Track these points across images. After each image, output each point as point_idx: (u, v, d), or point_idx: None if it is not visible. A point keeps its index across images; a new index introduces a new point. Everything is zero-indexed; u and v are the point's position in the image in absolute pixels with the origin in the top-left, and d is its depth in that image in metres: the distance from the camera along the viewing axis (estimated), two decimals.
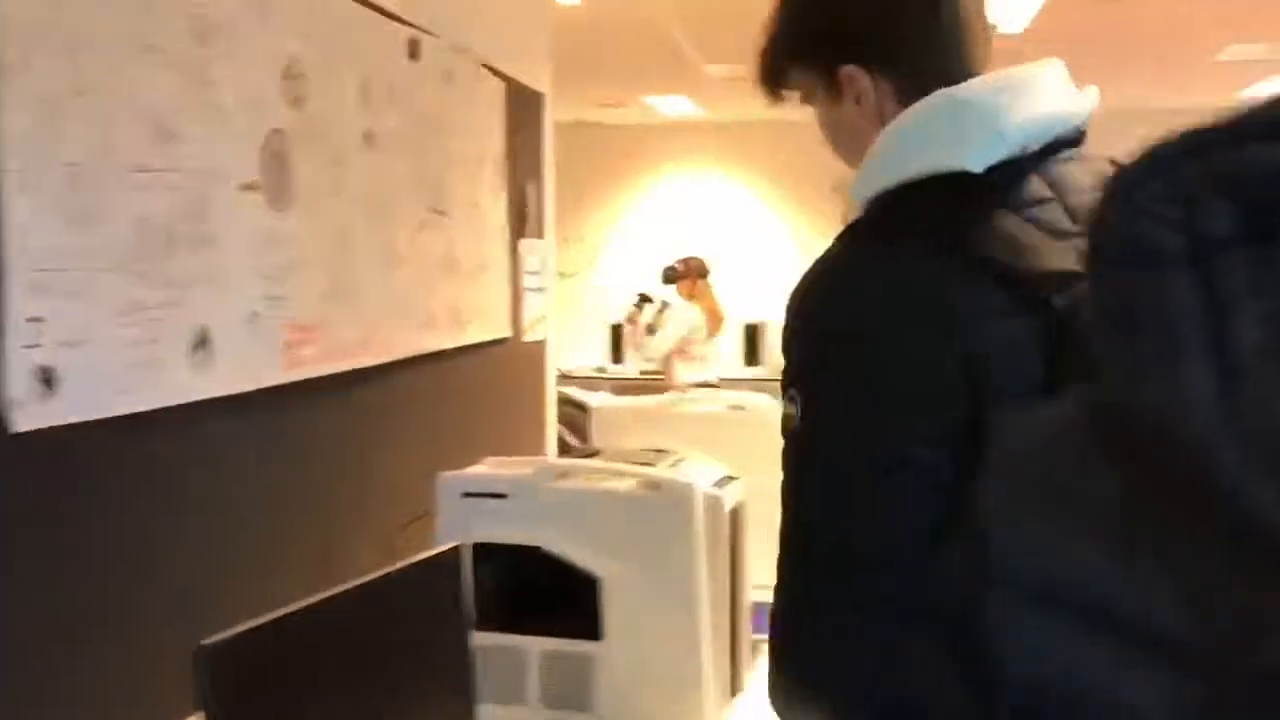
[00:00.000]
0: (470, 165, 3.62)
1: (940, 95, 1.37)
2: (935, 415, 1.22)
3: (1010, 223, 1.28)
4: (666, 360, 7.34)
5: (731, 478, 2.39)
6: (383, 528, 2.64)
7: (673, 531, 2.27)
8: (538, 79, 4.45)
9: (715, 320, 7.31)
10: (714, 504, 2.26)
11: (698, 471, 2.37)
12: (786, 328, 1.37)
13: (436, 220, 3.38)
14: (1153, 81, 8.95)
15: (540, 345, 4.44)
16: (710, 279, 7.31)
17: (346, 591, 1.67)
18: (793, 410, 1.29)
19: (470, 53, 3.61)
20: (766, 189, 10.77)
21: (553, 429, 4.67)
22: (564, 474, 2.42)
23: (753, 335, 10.08)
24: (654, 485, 2.32)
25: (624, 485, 2.33)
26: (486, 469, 2.52)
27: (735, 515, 2.37)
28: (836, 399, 1.28)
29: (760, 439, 3.53)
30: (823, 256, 1.40)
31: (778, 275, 10.65)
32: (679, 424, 3.42)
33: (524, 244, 4.21)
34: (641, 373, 9.87)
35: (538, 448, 4.45)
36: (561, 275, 11.35)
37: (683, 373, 7.30)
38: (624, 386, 10.36)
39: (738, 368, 10.13)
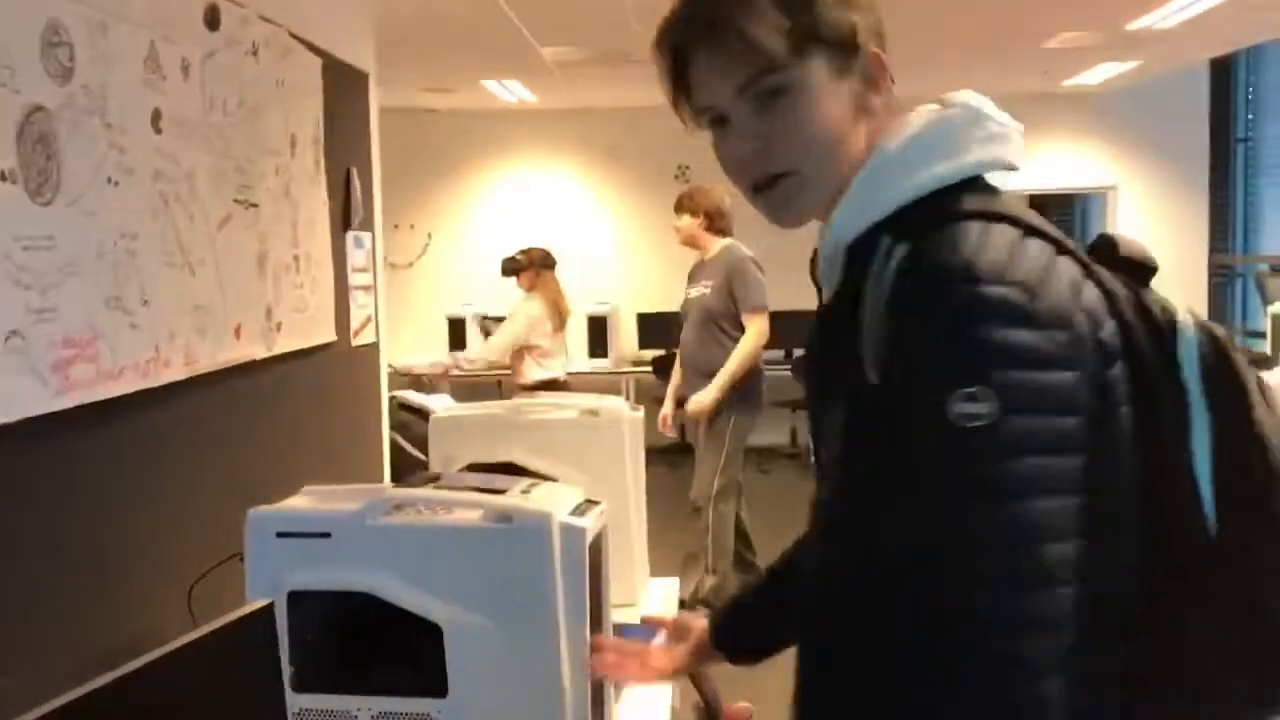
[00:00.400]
0: (283, 150, 3.22)
1: (959, 106, 1.38)
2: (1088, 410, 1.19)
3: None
4: (514, 357, 6.97)
5: (592, 502, 2.10)
6: (186, 576, 2.24)
7: (527, 569, 1.96)
8: (360, 57, 4.05)
9: (559, 314, 6.98)
10: (573, 536, 1.95)
11: (553, 498, 2.05)
12: (949, 313, 1.18)
13: (244, 213, 2.97)
14: (980, 68, 8.96)
15: (371, 349, 4.05)
16: (555, 270, 6.97)
17: (140, 670, 1.38)
18: (982, 408, 1.14)
19: (280, 24, 3.20)
20: (606, 176, 10.48)
21: (388, 444, 4.28)
22: (397, 506, 2.07)
23: (599, 327, 9.80)
24: (505, 517, 2.00)
25: (470, 517, 2.01)
26: (306, 502, 2.16)
27: (596, 546, 2.06)
28: (1047, 394, 1.17)
29: (615, 448, 3.24)
30: (949, 236, 1.23)
31: (620, 265, 10.45)
32: (527, 433, 3.15)
33: (350, 237, 3.81)
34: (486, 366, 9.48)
35: (372, 468, 4.06)
36: (393, 266, 10.94)
37: (531, 370, 6.95)
38: (469, 385, 9.99)
39: (583, 360, 9.86)
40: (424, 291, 10.45)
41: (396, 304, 10.68)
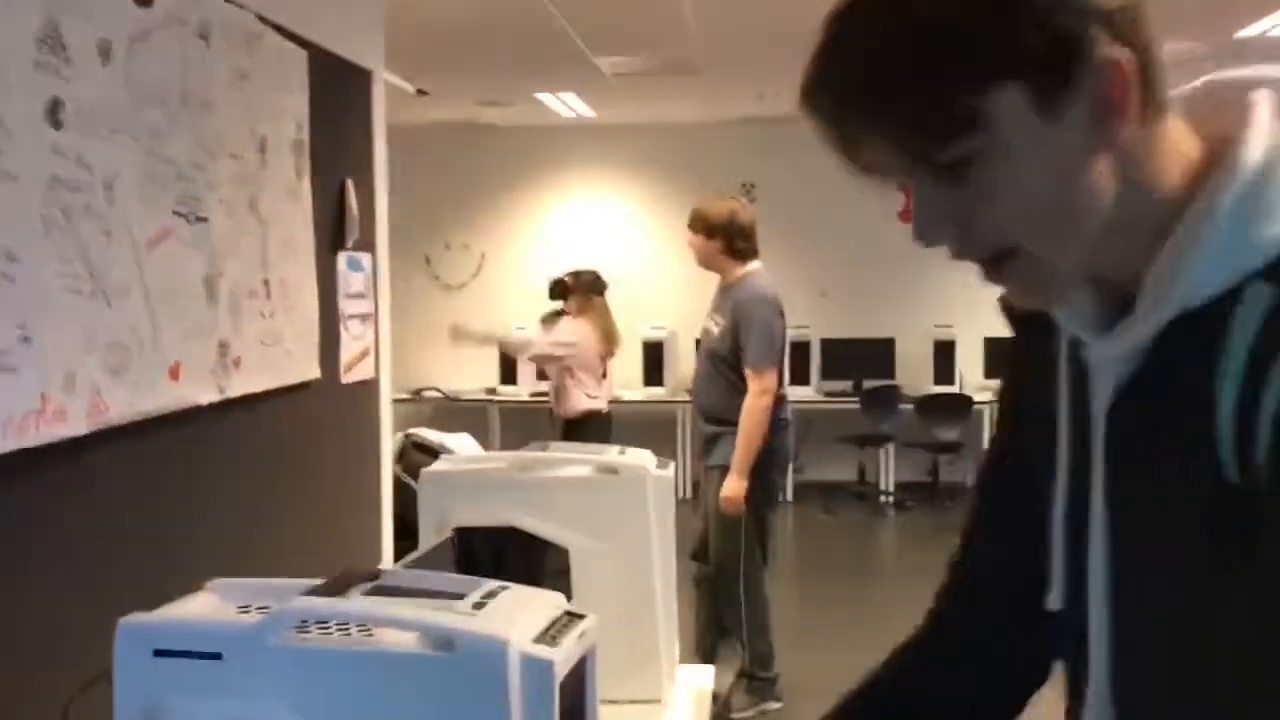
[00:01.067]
0: (247, 155, 2.68)
1: None
2: None
3: None
4: (557, 386, 6.41)
5: (575, 616, 1.54)
6: (62, 692, 1.69)
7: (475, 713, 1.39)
8: (363, 52, 3.51)
9: (609, 341, 6.41)
10: (537, 671, 1.39)
11: (518, 612, 1.44)
12: None
13: (187, 228, 2.43)
14: None
15: (367, 387, 3.48)
16: (605, 294, 6.42)
17: None
18: None
19: (248, 7, 2.68)
20: (666, 195, 9.91)
21: (388, 501, 3.70)
22: (310, 623, 1.49)
23: (655, 353, 9.22)
24: (446, 642, 1.42)
25: (403, 640, 1.43)
26: (202, 605, 1.58)
27: (576, 680, 1.54)
28: None
29: (636, 513, 2.65)
30: None
31: (679, 288, 9.88)
32: (532, 493, 2.63)
33: (343, 259, 3.27)
34: (532, 394, 8.95)
35: (366, 532, 3.49)
36: (446, 286, 10.49)
37: (576, 400, 6.38)
38: (512, 412, 9.48)
39: (637, 389, 9.28)
40: (476, 313, 9.91)
41: (448, 326, 10.20)
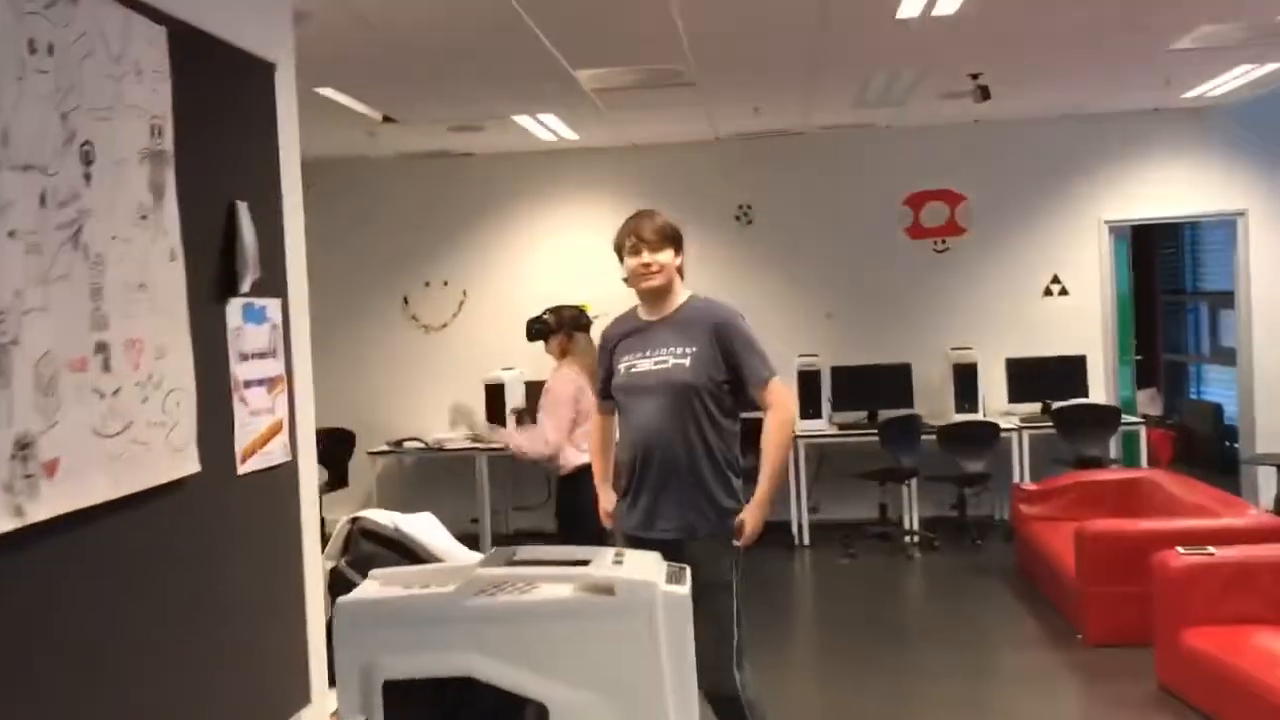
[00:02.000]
0: (61, 168, 1.84)
1: None
2: None
3: None
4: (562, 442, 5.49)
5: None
6: None
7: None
8: (263, 39, 2.65)
9: (593, 379, 5.53)
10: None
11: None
12: None
13: None
14: (1090, 81, 7.45)
15: (281, 476, 2.61)
16: (591, 331, 5.55)
17: None
18: None
19: None
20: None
21: (318, 619, 2.76)
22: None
23: None
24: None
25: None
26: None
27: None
28: None
29: (640, 651, 1.91)
30: None
31: None
32: (499, 626, 1.92)
33: (236, 307, 2.42)
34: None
35: (286, 672, 2.55)
36: (425, 327, 9.64)
37: (570, 455, 5.50)
38: (502, 462, 8.60)
39: None
40: (459, 355, 9.07)
41: (428, 370, 9.38)
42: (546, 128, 8.03)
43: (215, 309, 2.32)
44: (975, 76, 6.92)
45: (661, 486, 3.73)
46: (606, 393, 4.03)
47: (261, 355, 2.53)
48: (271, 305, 2.61)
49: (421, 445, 8.62)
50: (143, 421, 2.04)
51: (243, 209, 2.41)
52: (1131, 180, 8.81)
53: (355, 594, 2.13)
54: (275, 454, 2.56)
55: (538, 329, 5.61)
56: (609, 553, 1.98)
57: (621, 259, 3.91)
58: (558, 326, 5.58)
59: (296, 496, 2.70)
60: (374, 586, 2.20)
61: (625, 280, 3.93)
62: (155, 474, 2.08)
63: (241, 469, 2.38)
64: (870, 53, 6.39)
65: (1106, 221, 8.84)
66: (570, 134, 8.34)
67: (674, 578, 1.85)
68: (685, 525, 3.69)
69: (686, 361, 3.77)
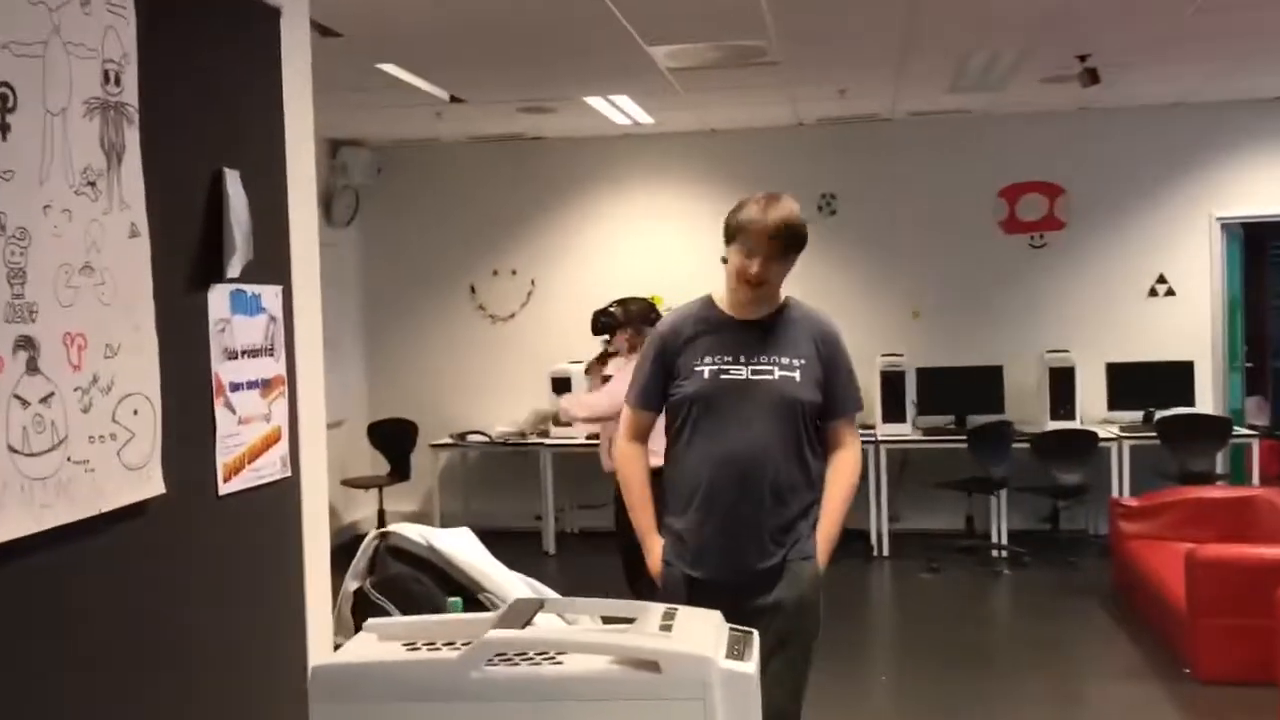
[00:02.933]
0: None
1: None
2: None
3: None
4: (605, 435, 5.11)
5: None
6: None
7: None
8: None
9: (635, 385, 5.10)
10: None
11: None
12: None
13: None
14: (1216, 60, 6.80)
15: (276, 494, 2.20)
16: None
17: None
18: None
19: None
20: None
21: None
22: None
23: None
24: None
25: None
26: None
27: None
28: None
29: None
30: None
31: None
32: (511, 707, 1.54)
33: (222, 295, 2.02)
34: (590, 437, 7.65)
35: None
36: (493, 318, 9.27)
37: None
38: (567, 458, 8.21)
39: None
40: (526, 347, 8.68)
41: (494, 361, 9.00)
42: (620, 110, 7.59)
43: (193, 297, 1.91)
44: (1083, 59, 6.33)
45: (752, 519, 3.07)
46: (653, 401, 3.22)
47: (255, 352, 2.12)
48: (269, 293, 2.19)
49: (485, 439, 8.24)
50: (82, 435, 1.64)
51: (232, 178, 2.00)
52: (1246, 174, 8.11)
53: (339, 655, 1.67)
54: (271, 469, 2.16)
55: (604, 322, 5.20)
56: (658, 611, 1.58)
57: (729, 241, 3.16)
58: (625, 320, 5.16)
59: (298, 518, 2.29)
60: (366, 642, 1.77)
61: (723, 260, 3.20)
62: (100, 500, 1.68)
63: (225, 488, 1.98)
64: (968, 29, 5.83)
65: (1219, 218, 8.15)
66: (645, 117, 7.89)
67: (736, 649, 1.43)
68: (775, 569, 3.09)
69: (797, 375, 3.12)
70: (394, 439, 8.41)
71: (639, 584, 5.12)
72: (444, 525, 9.19)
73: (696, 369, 3.13)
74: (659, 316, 5.23)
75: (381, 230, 8.93)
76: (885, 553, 7.74)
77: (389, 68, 6.15)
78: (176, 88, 1.86)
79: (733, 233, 3.15)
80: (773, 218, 3.08)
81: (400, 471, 8.32)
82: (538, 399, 8.21)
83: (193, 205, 1.93)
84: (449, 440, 8.28)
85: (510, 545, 8.22)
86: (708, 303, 3.27)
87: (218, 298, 2.00)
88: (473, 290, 8.88)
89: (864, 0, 5.24)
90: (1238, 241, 8.47)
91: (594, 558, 6.76)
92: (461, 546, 3.00)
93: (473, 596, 2.88)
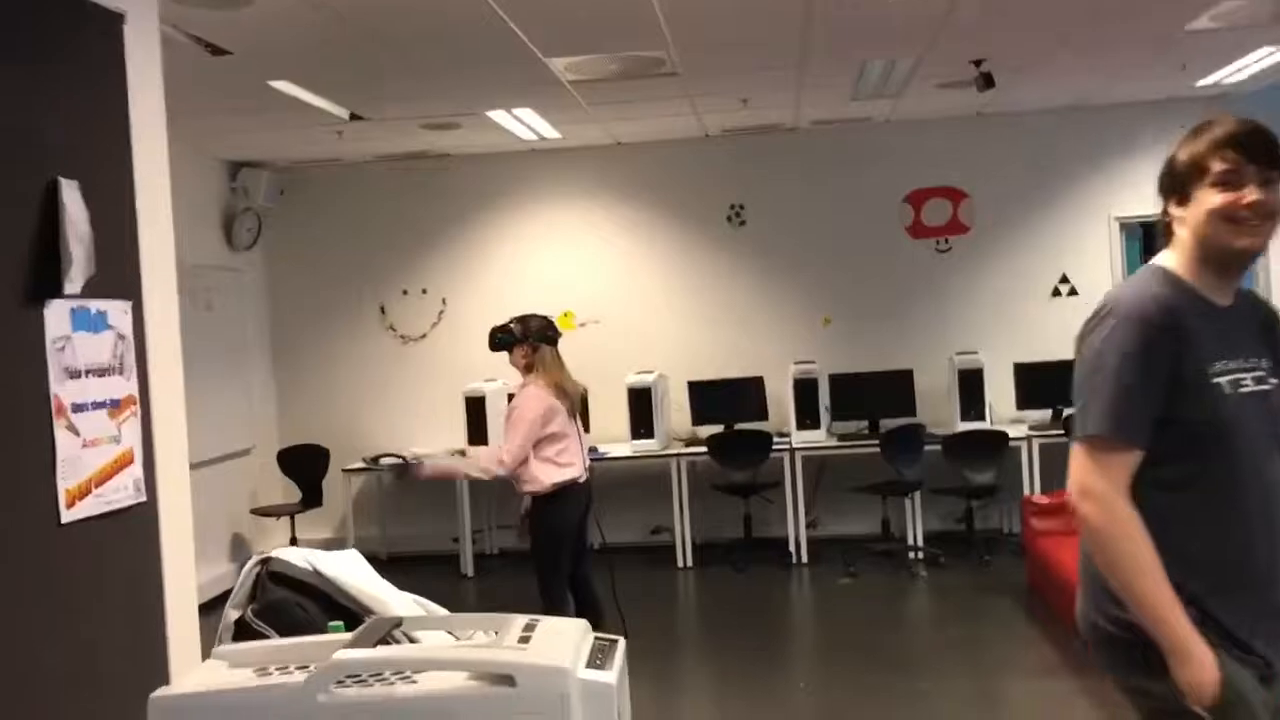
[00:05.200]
0: None
1: None
2: None
3: None
4: (519, 464, 4.98)
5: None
6: None
7: None
8: None
9: (567, 396, 5.03)
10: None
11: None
12: None
13: None
14: (1106, 63, 6.91)
15: (129, 520, 2.08)
16: (558, 343, 5.04)
17: None
18: None
19: None
20: (647, 224, 8.54)
21: None
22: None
23: (642, 401, 7.80)
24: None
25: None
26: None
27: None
28: None
29: None
30: None
31: (666, 326, 8.54)
32: None
33: (62, 312, 1.91)
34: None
35: None
36: (404, 338, 9.12)
37: (544, 473, 4.97)
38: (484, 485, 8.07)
39: (623, 444, 7.88)
40: (440, 366, 8.54)
41: (406, 382, 8.75)
42: (525, 125, 7.51)
43: (26, 313, 1.80)
44: (978, 64, 6.39)
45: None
46: (1148, 428, 2.15)
47: (102, 371, 2.00)
48: (116, 309, 2.08)
49: (399, 461, 8.07)
50: None
51: (69, 188, 1.89)
52: (1144, 174, 8.23)
53: (179, 684, 1.57)
54: (122, 494, 2.04)
55: (500, 339, 5.10)
56: (520, 622, 1.60)
57: (1185, 187, 2.21)
58: (523, 336, 5.06)
59: (155, 545, 2.17)
60: (213, 670, 1.80)
61: (1164, 223, 2.29)
62: None
63: (68, 515, 1.86)
64: (863, 37, 5.85)
65: (1117, 218, 8.29)
66: (552, 132, 7.82)
67: (599, 659, 1.42)
68: None
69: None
70: (305, 465, 8.22)
71: (551, 594, 5.04)
72: (361, 550, 8.90)
73: (1213, 380, 2.15)
74: (557, 334, 5.14)
75: (286, 252, 8.74)
76: (804, 559, 7.72)
77: (283, 85, 6.02)
78: (5, 93, 1.74)
79: (1189, 169, 2.20)
80: (1246, 124, 2.18)
81: (312, 498, 8.13)
82: (453, 420, 8.05)
83: (24, 217, 1.82)
84: (361, 464, 8.11)
85: (428, 569, 8.15)
86: (1172, 279, 2.23)
87: (56, 314, 1.88)
88: (383, 310, 8.72)
89: (760, 10, 5.23)
90: (1136, 240, 8.61)
91: (516, 578, 6.64)
92: (348, 569, 2.89)
93: (359, 619, 2.77)
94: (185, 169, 7.79)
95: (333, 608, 2.76)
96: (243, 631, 2.75)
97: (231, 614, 2.78)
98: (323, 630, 2.72)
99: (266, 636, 2.72)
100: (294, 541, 8.11)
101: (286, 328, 8.77)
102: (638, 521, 8.34)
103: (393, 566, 8.46)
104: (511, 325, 5.09)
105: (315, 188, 8.64)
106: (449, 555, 8.05)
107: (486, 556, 8.32)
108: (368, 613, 2.82)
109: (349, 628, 2.76)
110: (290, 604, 2.75)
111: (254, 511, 8.07)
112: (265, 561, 2.87)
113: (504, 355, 5.20)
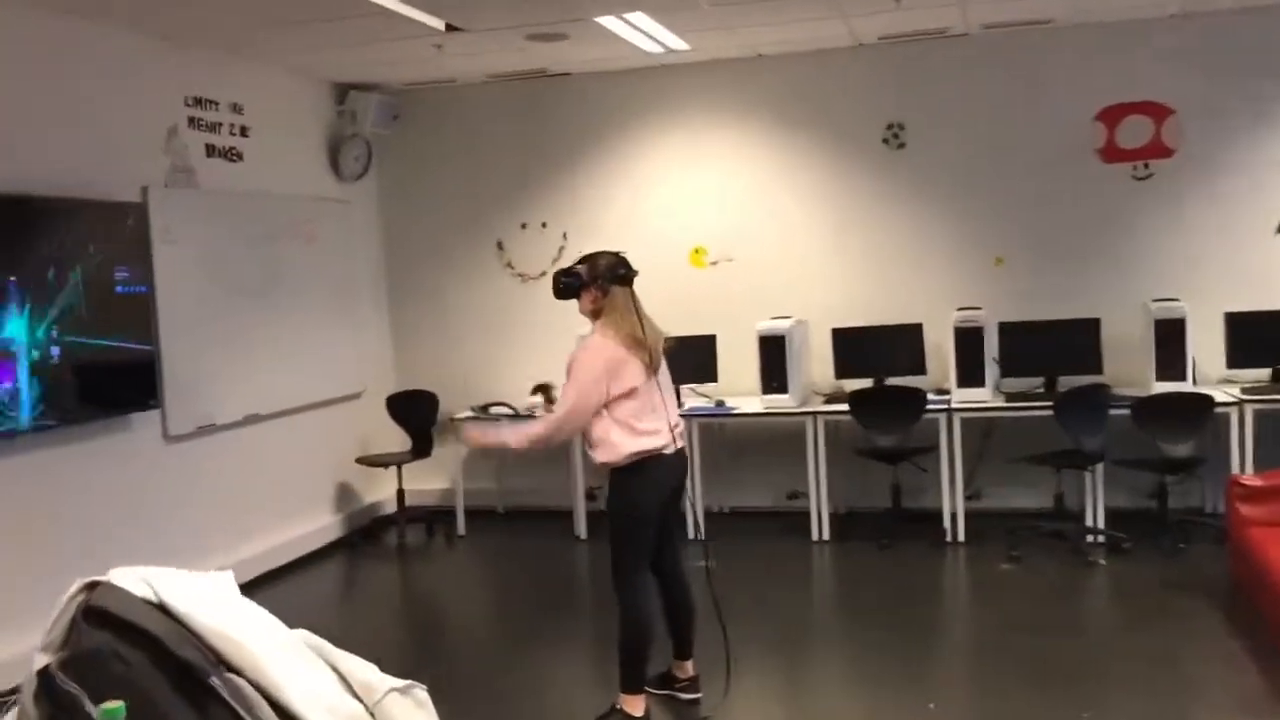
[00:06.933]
0: None
1: None
2: None
3: None
4: (588, 426, 4.08)
5: None
6: None
7: None
8: None
9: (644, 348, 4.08)
10: None
11: None
12: None
13: None
14: None
15: None
16: (633, 284, 4.08)
17: None
18: None
19: None
20: (788, 146, 7.45)
21: None
22: None
23: (776, 350, 6.79)
24: None
25: None
26: None
27: None
28: None
29: None
30: None
31: (809, 265, 7.45)
32: None
33: None
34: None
35: None
36: (521, 276, 8.32)
37: (619, 441, 4.08)
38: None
39: (753, 398, 6.90)
40: (558, 308, 7.70)
41: (523, 324, 7.72)
42: (645, 34, 6.54)
43: None
44: None
45: None
46: None
47: None
48: None
49: (510, 412, 7.33)
50: None
51: None
52: None
53: None
54: None
55: (565, 284, 4.21)
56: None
57: None
58: (591, 279, 4.15)
59: None
60: None
61: None
62: None
63: None
64: None
65: None
66: (679, 43, 6.83)
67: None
68: None
69: None
70: (414, 412, 7.58)
71: (628, 585, 4.18)
72: (469, 510, 8.27)
73: None
74: (630, 274, 4.21)
75: (398, 183, 8.07)
76: (960, 538, 6.62)
77: None
78: None
79: None
80: None
81: (422, 448, 7.49)
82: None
83: None
84: (469, 414, 7.40)
85: (543, 526, 7.40)
86: None
87: None
88: (500, 246, 7.96)
89: None
90: None
91: None
92: (206, 602, 2.07)
93: (202, 680, 1.94)
94: (285, 88, 7.23)
95: (169, 659, 1.96)
96: (44, 688, 1.97)
97: (38, 659, 2.00)
98: (148, 692, 1.92)
99: (73, 696, 1.93)
100: (401, 495, 7.51)
101: (398, 263, 8.13)
102: (770, 485, 7.40)
103: (509, 522, 7.80)
104: (577, 268, 4.19)
105: (428, 112, 7.92)
106: (566, 512, 7.31)
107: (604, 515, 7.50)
108: (222, 666, 2.00)
109: (184, 694, 1.95)
110: (107, 655, 1.95)
111: (360, 460, 7.48)
112: (92, 587, 2.07)
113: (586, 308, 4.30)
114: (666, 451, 4.22)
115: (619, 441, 4.14)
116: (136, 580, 2.06)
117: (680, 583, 4.42)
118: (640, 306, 4.19)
